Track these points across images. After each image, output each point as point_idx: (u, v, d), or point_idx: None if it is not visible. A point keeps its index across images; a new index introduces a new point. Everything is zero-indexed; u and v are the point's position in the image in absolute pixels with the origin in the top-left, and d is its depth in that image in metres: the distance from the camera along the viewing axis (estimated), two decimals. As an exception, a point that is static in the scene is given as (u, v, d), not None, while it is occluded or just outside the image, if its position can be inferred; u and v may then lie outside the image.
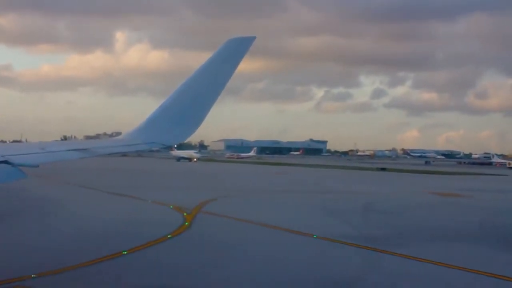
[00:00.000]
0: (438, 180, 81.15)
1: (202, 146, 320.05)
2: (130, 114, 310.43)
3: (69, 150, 11.35)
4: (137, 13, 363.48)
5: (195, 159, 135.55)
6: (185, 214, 31.77)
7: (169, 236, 24.22)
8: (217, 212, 33.27)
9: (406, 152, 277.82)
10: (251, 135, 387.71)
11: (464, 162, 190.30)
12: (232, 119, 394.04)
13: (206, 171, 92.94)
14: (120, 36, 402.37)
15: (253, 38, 13.82)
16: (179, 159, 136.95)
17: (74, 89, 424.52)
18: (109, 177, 67.35)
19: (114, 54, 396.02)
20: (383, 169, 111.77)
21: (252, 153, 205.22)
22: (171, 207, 35.22)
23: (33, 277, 16.33)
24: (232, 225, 28.91)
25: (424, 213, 36.97)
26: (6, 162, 9.36)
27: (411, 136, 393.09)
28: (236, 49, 13.64)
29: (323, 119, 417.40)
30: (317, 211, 36.27)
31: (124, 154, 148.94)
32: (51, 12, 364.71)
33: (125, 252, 20.29)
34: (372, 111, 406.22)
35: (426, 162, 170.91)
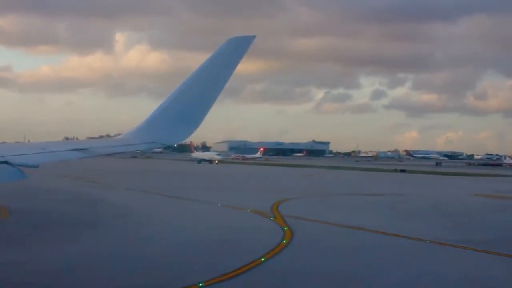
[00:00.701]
0: (469, 182, 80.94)
1: (204, 147, 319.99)
2: (129, 115, 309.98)
3: (69, 150, 11.33)
4: (136, 14, 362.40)
5: (216, 161, 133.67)
6: (272, 218, 31.19)
7: (284, 241, 23.68)
8: (301, 216, 32.45)
9: (409, 153, 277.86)
10: (250, 136, 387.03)
11: (474, 164, 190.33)
12: (232, 120, 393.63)
13: (237, 172, 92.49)
14: (119, 37, 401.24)
15: (253, 37, 13.70)
16: (200, 161, 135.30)
17: (73, 90, 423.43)
18: (148, 179, 66.66)
19: (113, 55, 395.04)
20: (402, 170, 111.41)
21: (258, 155, 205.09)
22: (249, 210, 34.76)
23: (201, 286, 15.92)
24: (334, 231, 28.03)
25: (499, 216, 36.65)
26: (6, 162, 9.27)
27: (410, 137, 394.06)
28: (236, 49, 13.53)
29: (323, 120, 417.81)
30: (397, 214, 35.79)
31: (133, 156, 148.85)
32: (50, 13, 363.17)
33: (263, 259, 19.87)
34: (372, 112, 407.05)
35: (437, 164, 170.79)
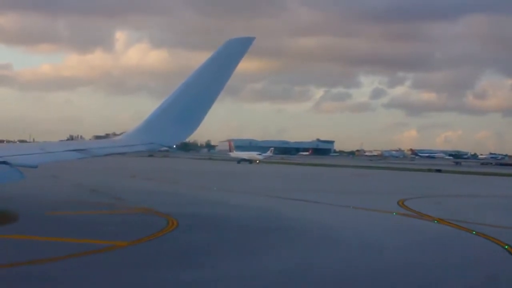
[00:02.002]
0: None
1: (209, 146, 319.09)
2: (129, 113, 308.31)
3: (67, 151, 11.28)
4: (136, 13, 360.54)
5: (257, 161, 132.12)
6: (435, 222, 30.51)
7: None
8: (461, 219, 31.82)
9: (414, 152, 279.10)
10: (249, 134, 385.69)
11: (491, 163, 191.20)
12: (232, 118, 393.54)
13: (293, 172, 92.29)
14: (119, 36, 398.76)
15: (253, 38, 13.64)
16: (240, 161, 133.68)
17: (73, 89, 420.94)
18: (225, 180, 65.73)
19: (113, 53, 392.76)
20: (438, 170, 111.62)
21: (269, 153, 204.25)
22: (395, 214, 34.27)
23: None
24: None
25: None
26: (5, 162, 9.29)
27: (410, 136, 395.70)
28: (236, 50, 13.57)
29: (322, 119, 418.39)
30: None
31: (150, 154, 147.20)
32: (50, 11, 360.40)
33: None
34: (371, 111, 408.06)
35: (456, 163, 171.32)
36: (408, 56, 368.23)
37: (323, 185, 62.49)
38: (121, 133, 13.31)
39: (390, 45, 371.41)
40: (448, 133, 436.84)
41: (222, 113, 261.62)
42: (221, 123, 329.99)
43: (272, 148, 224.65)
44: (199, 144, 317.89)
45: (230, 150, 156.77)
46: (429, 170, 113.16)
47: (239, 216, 31.86)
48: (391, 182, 73.21)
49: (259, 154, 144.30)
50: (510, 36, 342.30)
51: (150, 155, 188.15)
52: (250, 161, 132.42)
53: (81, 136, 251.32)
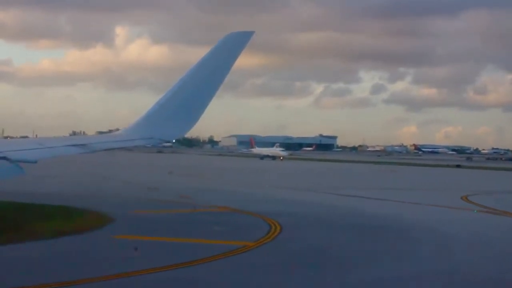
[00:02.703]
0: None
1: (212, 142, 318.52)
2: (130, 109, 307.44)
3: (67, 146, 11.44)
4: (137, 8, 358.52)
5: (281, 157, 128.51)
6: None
7: None
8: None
9: (417, 148, 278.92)
10: (249, 130, 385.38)
11: (502, 158, 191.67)
12: (231, 114, 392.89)
13: (320, 169, 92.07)
14: (120, 31, 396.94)
15: (252, 32, 13.70)
16: (263, 157, 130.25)
17: (74, 84, 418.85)
18: (273, 177, 65.63)
19: (114, 49, 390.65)
20: (458, 166, 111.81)
21: (274, 148, 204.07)
22: (475, 211, 34.42)
23: None
24: None
25: None
26: (4, 158, 9.22)
27: (410, 131, 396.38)
28: (234, 44, 13.58)
29: (322, 115, 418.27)
30: None
31: (159, 151, 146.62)
32: (51, 7, 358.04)
33: None
34: (372, 107, 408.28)
35: (468, 158, 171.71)
36: (409, 52, 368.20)
37: (370, 182, 62.43)
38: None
39: (391, 41, 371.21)
40: (448, 129, 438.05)
41: (222, 108, 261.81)
42: (221, 118, 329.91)
43: (278, 144, 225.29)
44: (201, 140, 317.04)
45: (251, 147, 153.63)
46: (448, 166, 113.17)
47: (330, 214, 32.01)
48: (430, 178, 72.91)
49: (283, 150, 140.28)
50: (511, 32, 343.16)
51: (159, 151, 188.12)
52: (273, 157, 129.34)
53: (83, 132, 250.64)
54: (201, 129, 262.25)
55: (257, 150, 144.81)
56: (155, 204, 35.99)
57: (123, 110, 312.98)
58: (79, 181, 53.61)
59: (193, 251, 20.64)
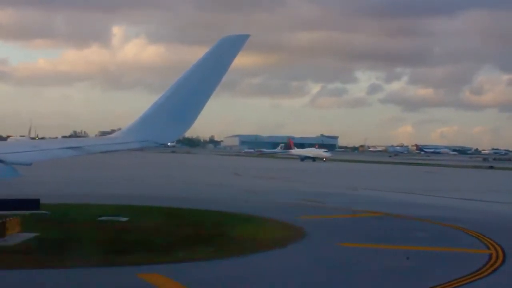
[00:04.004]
0: None
1: (214, 142, 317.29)
2: (126, 109, 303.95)
3: (62, 148, 11.47)
4: (134, 8, 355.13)
5: (324, 158, 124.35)
6: None
7: None
8: None
9: (419, 148, 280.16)
10: (247, 129, 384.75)
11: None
12: (228, 114, 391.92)
13: (370, 170, 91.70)
14: (117, 31, 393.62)
15: (247, 36, 13.85)
16: (303, 158, 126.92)
17: (70, 84, 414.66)
18: (349, 179, 64.91)
19: (110, 48, 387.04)
20: (491, 167, 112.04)
21: (278, 149, 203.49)
22: None
23: None
24: None
25: None
26: None
27: (406, 131, 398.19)
28: (230, 48, 13.67)
29: (319, 114, 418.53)
30: None
31: (173, 151, 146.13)
32: (47, 6, 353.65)
33: None
34: (368, 107, 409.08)
35: (484, 159, 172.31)
36: (405, 52, 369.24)
37: (439, 183, 62.07)
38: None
39: (388, 41, 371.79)
40: (444, 129, 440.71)
41: (219, 108, 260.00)
42: (218, 118, 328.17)
43: (282, 144, 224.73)
44: (202, 140, 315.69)
45: (290, 148, 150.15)
46: (480, 167, 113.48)
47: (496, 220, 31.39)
48: (489, 180, 72.67)
49: (326, 151, 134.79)
50: (508, 32, 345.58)
51: (173, 152, 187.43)
52: (314, 158, 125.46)
53: (84, 132, 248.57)
54: (198, 129, 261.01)
55: (296, 151, 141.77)
56: (306, 209, 34.99)
57: (120, 110, 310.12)
58: (160, 183, 52.59)
59: (461, 261, 19.87)
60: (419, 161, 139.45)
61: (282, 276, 18.28)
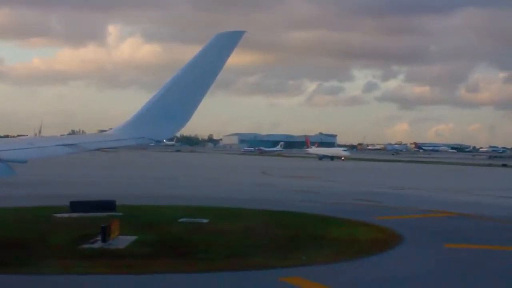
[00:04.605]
0: None
1: (213, 141, 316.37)
2: (122, 107, 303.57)
3: (58, 145, 11.45)
4: (130, 7, 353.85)
5: (343, 158, 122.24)
6: None
7: None
8: None
9: (417, 146, 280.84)
10: (243, 128, 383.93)
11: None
12: (224, 112, 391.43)
13: (396, 169, 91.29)
14: (112, 30, 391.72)
15: (242, 32, 13.79)
16: (321, 157, 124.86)
17: (66, 83, 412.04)
18: (383, 178, 64.27)
19: (106, 47, 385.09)
20: (504, 165, 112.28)
21: (278, 148, 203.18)
22: None
23: None
24: None
25: None
26: None
27: (402, 129, 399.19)
28: (225, 44, 13.61)
29: (316, 112, 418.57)
30: None
31: (178, 150, 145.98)
32: (43, 5, 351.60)
33: None
34: (365, 105, 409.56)
35: (490, 157, 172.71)
36: (402, 50, 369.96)
37: (473, 183, 62.07)
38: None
39: (384, 39, 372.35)
40: (440, 126, 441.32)
41: (215, 106, 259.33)
42: (214, 116, 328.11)
43: (282, 143, 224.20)
44: (200, 139, 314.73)
45: (307, 146, 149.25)
46: (491, 165, 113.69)
47: None
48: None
49: (345, 150, 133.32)
50: (504, 30, 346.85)
51: (178, 150, 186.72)
52: (332, 157, 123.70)
53: (83, 131, 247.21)
54: (195, 127, 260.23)
55: (313, 149, 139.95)
56: (374, 209, 34.65)
57: (116, 109, 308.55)
58: (201, 183, 52.19)
59: None
60: (427, 160, 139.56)
61: (423, 277, 17.93)
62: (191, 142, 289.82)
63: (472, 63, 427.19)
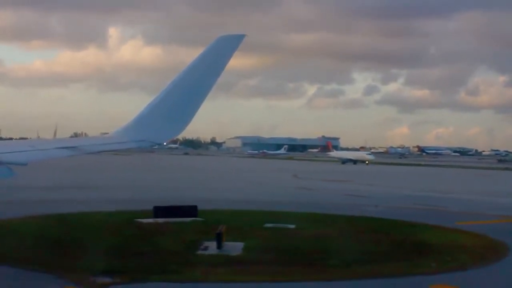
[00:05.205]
0: None
1: (216, 144, 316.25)
2: (122, 110, 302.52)
3: (58, 148, 11.57)
4: (130, 9, 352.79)
5: (367, 162, 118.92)
6: None
7: None
8: None
9: (420, 149, 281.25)
10: (244, 131, 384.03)
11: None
12: (224, 115, 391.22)
13: (428, 173, 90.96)
14: (113, 32, 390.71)
15: (243, 36, 13.98)
16: (344, 161, 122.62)
17: (66, 85, 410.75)
18: (428, 183, 64.42)
19: (107, 50, 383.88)
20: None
21: (282, 151, 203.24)
22: None
23: None
24: None
25: None
26: None
27: (402, 132, 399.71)
28: (226, 47, 13.79)
29: (316, 115, 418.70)
30: None
31: (186, 153, 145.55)
32: (43, 7, 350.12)
33: None
34: (364, 108, 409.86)
35: (499, 161, 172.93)
36: (401, 53, 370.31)
37: None
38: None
39: (384, 42, 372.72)
40: (440, 130, 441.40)
41: (216, 109, 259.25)
42: (215, 119, 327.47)
43: (286, 146, 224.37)
44: (203, 141, 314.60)
45: (329, 150, 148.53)
46: (507, 169, 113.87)
47: None
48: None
49: (369, 154, 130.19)
50: (504, 33, 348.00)
51: (186, 153, 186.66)
52: (355, 161, 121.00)
53: (85, 134, 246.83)
54: (197, 130, 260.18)
55: (336, 153, 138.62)
56: (447, 214, 34.38)
57: (116, 111, 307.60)
58: (246, 187, 51.92)
59: None
60: (439, 163, 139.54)
61: None
62: (194, 145, 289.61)
63: (472, 66, 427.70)
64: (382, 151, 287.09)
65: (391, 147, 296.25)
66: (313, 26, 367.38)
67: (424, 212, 34.74)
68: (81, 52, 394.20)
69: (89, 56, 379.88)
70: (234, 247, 21.95)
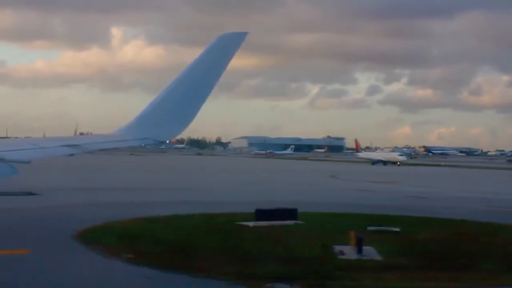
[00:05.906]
0: None
1: (222, 144, 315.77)
2: (125, 110, 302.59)
3: (60, 146, 11.66)
4: (132, 9, 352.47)
5: (398, 163, 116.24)
6: None
7: None
8: None
9: (427, 149, 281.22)
10: (247, 131, 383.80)
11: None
12: (226, 115, 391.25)
13: (462, 174, 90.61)
14: (116, 32, 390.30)
15: (245, 33, 13.82)
16: (374, 162, 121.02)
17: (68, 85, 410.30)
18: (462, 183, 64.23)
19: (109, 50, 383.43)
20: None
21: (289, 151, 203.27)
22: None
23: None
24: None
25: None
26: None
27: (404, 132, 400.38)
28: (228, 45, 13.69)
29: (319, 115, 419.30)
30: None
31: (199, 153, 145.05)
32: (45, 8, 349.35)
33: None
34: (367, 108, 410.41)
35: (509, 161, 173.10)
36: (404, 53, 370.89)
37: None
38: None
39: (387, 42, 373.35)
40: (442, 130, 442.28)
41: (218, 109, 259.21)
42: (217, 119, 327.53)
43: (293, 146, 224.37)
44: (208, 141, 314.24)
45: (357, 150, 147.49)
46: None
47: None
48: None
49: (401, 155, 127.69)
50: (507, 33, 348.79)
51: (199, 154, 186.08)
52: (385, 162, 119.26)
53: (90, 133, 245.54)
54: (201, 130, 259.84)
55: (365, 154, 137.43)
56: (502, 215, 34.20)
57: (118, 111, 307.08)
58: (292, 189, 51.40)
59: None
60: (454, 164, 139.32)
61: None
62: (200, 145, 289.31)
63: (474, 66, 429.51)
64: (388, 151, 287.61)
65: (396, 147, 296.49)
66: (315, 26, 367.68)
67: (508, 215, 34.39)
68: (84, 53, 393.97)
69: (92, 56, 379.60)
70: (370, 252, 21.54)
